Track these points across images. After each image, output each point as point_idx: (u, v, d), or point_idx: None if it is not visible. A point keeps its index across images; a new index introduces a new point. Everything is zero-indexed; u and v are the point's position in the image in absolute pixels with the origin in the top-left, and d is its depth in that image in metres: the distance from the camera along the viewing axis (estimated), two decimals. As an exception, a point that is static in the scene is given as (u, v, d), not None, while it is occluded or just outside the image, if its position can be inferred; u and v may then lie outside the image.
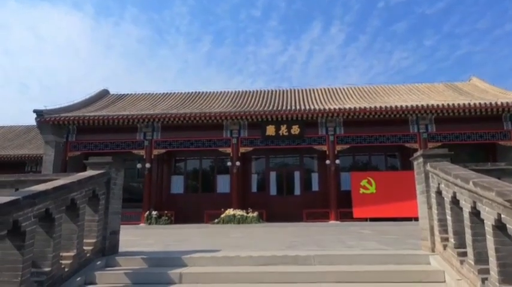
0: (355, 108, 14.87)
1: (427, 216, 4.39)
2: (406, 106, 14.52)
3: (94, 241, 4.24)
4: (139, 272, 3.95)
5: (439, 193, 4.12)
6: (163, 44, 68.30)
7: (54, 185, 3.46)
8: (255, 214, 15.05)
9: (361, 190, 15.29)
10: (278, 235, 9.00)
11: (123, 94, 22.29)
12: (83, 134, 17.05)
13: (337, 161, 15.64)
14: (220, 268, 3.97)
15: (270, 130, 15.78)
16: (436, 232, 4.19)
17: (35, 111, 16.20)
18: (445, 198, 3.91)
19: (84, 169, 5.02)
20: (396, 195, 14.86)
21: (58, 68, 64.50)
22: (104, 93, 22.27)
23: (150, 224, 15.45)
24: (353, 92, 19.11)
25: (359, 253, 4.54)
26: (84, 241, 4.10)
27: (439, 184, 4.06)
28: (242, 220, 14.85)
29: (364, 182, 15.35)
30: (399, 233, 8.38)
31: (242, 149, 16.16)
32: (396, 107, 14.53)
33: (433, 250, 4.26)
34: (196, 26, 67.92)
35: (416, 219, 14.18)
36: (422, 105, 14.43)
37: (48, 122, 16.12)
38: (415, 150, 15.68)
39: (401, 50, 64.92)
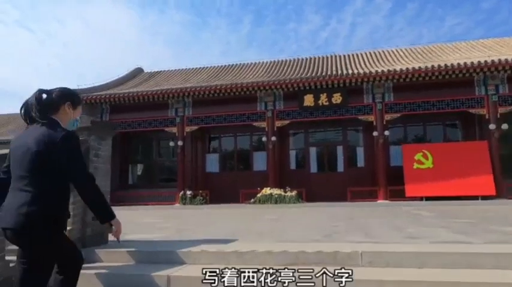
0: (407, 69, 12.75)
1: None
2: (472, 63, 12.14)
3: (69, 228, 3.26)
4: (117, 273, 2.91)
5: None
6: (206, 27, 67.72)
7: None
8: (294, 193, 13.81)
9: (415, 165, 13.35)
10: (317, 218, 7.70)
11: (157, 71, 21.71)
12: (116, 113, 16.68)
13: (386, 133, 13.75)
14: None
15: (308, 100, 14.20)
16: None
17: (67, 91, 16.00)
18: None
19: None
20: (458, 170, 12.79)
21: (109, 57, 66.60)
22: (138, 71, 21.83)
23: (184, 204, 14.86)
24: (403, 53, 16.73)
25: (432, 249, 3.10)
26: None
27: None
28: (280, 200, 13.70)
29: (418, 156, 13.38)
30: (471, 216, 6.69)
31: (278, 123, 14.81)
32: (459, 65, 12.22)
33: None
34: (236, 7, 66.18)
35: (484, 198, 12.21)
36: (492, 61, 11.96)
37: (81, 101, 15.87)
38: (482, 117, 13.35)
39: (454, 15, 58.48)
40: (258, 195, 14.16)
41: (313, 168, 15.81)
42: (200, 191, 15.16)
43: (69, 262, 1.83)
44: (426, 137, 15.17)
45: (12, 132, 23.44)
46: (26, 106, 1.84)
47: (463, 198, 12.52)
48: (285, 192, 13.94)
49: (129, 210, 13.82)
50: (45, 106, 1.82)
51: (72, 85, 16.16)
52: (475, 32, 56.90)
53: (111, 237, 2.42)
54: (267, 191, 14.10)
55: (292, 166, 16.21)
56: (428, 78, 12.87)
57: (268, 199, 13.88)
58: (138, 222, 7.50)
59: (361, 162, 15.45)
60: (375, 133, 13.68)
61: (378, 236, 3.99)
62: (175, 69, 21.35)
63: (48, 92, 1.88)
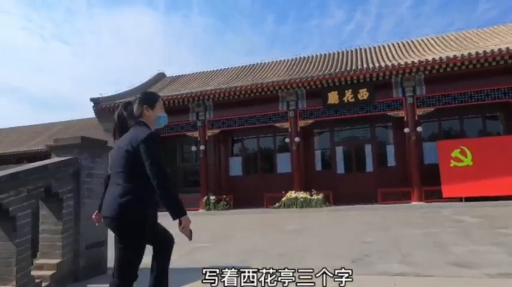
0: (440, 58, 11.72)
1: None
2: (515, 49, 10.96)
3: (57, 261, 2.89)
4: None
5: None
6: (229, 29, 67.87)
7: None
8: (320, 196, 13.13)
9: (452, 163, 12.28)
10: (345, 228, 7.06)
11: (178, 75, 21.63)
12: (138, 119, 16.65)
13: (419, 129, 12.76)
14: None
15: (333, 97, 13.46)
16: None
17: (91, 99, 16.17)
18: None
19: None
20: (500, 167, 11.62)
21: (139, 64, 68.32)
22: (160, 76, 21.85)
23: (208, 210, 14.56)
24: (434, 42, 15.55)
25: None
26: (41, 262, 2.76)
27: None
28: (306, 204, 13.07)
29: (456, 153, 12.29)
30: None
31: (301, 123, 14.16)
32: (500, 50, 11.06)
33: None
34: (258, 6, 65.82)
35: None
36: (539, 45, 10.73)
37: (105, 109, 15.97)
38: (528, 107, 12.09)
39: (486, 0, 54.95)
40: (283, 199, 13.60)
41: (340, 168, 15.02)
42: (224, 196, 14.80)
43: (162, 245, 2.17)
44: (463, 131, 13.99)
45: (43, 142, 24.25)
46: (116, 119, 2.23)
47: (506, 198, 11.38)
48: (311, 195, 13.28)
49: None
50: (130, 116, 2.15)
51: (104, 93, 16.41)
52: (510, 16, 53.07)
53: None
54: (291, 194, 13.51)
55: (318, 167, 15.50)
56: (465, 67, 11.77)
57: (294, 203, 13.29)
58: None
59: (391, 161, 14.49)
60: (406, 130, 12.72)
61: (418, 262, 3.34)
62: (196, 72, 21.16)
63: (130, 103, 2.21)
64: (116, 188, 2.00)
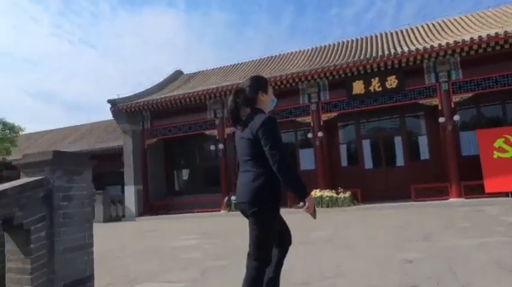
0: (480, 37, 10.47)
1: None
2: None
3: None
4: None
5: None
6: (248, 24, 67.13)
7: None
8: (347, 194, 12.25)
9: (496, 154, 11.05)
10: (378, 233, 6.23)
11: (196, 72, 21.17)
12: (157, 119, 16.32)
13: (456, 118, 11.57)
14: None
15: (358, 87, 12.47)
16: None
17: (109, 101, 15.94)
18: None
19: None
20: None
21: (161, 64, 69.04)
22: (178, 74, 21.48)
23: (229, 211, 14.00)
24: (469, 20, 14.15)
25: None
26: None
27: None
28: (332, 203, 12.24)
29: (499, 143, 11.05)
30: None
31: (324, 116, 13.27)
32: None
33: None
34: (276, -2, 64.40)
35: None
36: None
37: (122, 110, 15.71)
38: None
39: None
40: (308, 197, 12.81)
41: (368, 163, 14.03)
42: (245, 196, 14.18)
43: (285, 233, 2.24)
44: (506, 118, 12.63)
45: (72, 145, 24.56)
46: (228, 110, 2.25)
47: None
48: (337, 193, 12.43)
49: (172, 220, 13.23)
50: (246, 103, 2.17)
51: (126, 94, 16.09)
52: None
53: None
54: (316, 193, 12.69)
55: (344, 162, 14.57)
56: (509, 46, 10.48)
57: (319, 202, 12.47)
58: (166, 247, 6.65)
59: (425, 153, 13.34)
60: (442, 119, 11.57)
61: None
62: (215, 68, 20.60)
63: (242, 90, 2.21)
64: (247, 174, 2.10)
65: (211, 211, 14.44)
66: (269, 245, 2.10)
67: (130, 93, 16.85)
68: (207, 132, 15.27)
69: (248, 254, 2.12)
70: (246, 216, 2.12)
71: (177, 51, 69.25)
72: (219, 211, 14.33)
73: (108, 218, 15.44)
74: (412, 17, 58.43)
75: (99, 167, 23.30)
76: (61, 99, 68.72)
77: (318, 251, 5.03)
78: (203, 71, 20.87)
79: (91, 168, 2.91)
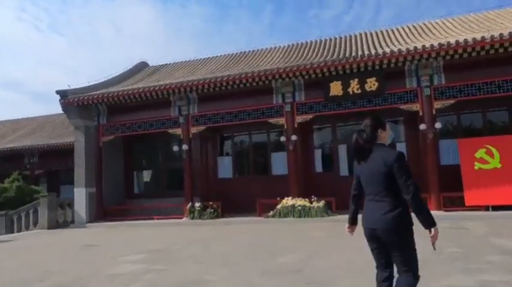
0: (465, 41, 9.78)
1: None
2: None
3: None
4: None
5: None
6: (227, 19, 65.38)
7: None
8: (321, 203, 11.28)
9: (477, 165, 10.45)
10: (359, 261, 5.19)
11: (162, 65, 19.57)
12: (115, 114, 14.65)
13: (438, 125, 10.87)
14: None
15: (335, 88, 11.52)
16: None
17: (57, 92, 14.09)
18: None
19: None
20: (535, 169, 9.84)
21: (137, 56, 65.68)
22: (142, 66, 19.77)
23: (193, 218, 12.67)
24: (451, 24, 13.60)
25: None
26: None
27: None
28: (304, 213, 11.24)
29: (481, 153, 10.46)
30: None
31: (299, 118, 12.24)
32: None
33: None
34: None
35: None
36: None
37: (73, 103, 13.92)
38: None
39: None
40: (278, 206, 11.75)
41: (344, 170, 13.16)
42: (211, 203, 12.90)
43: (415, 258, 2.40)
44: (488, 126, 12.14)
45: (23, 138, 22.16)
46: (353, 149, 2.59)
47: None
48: (311, 202, 11.45)
49: (127, 228, 11.37)
50: (369, 142, 2.50)
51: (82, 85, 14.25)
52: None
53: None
54: (288, 201, 11.66)
55: (318, 168, 13.64)
56: (494, 52, 9.88)
57: (290, 212, 11.46)
58: (100, 275, 5.29)
59: (403, 161, 12.62)
60: (423, 126, 10.84)
61: None
62: (182, 61, 19.10)
63: (362, 130, 2.57)
64: (382, 204, 2.36)
65: (173, 218, 13.05)
66: (417, 260, 2.37)
67: (85, 84, 15.05)
68: (171, 131, 13.85)
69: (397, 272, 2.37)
70: (375, 239, 2.41)
71: (155, 43, 66.32)
72: (181, 218, 12.98)
73: (55, 225, 13.65)
74: (389, 21, 59.21)
75: (53, 165, 21.26)
76: (29, 89, 64.02)
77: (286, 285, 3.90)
78: (170, 63, 19.33)
79: None
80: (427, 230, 2.28)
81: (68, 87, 14.25)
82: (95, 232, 11.96)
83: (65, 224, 14.09)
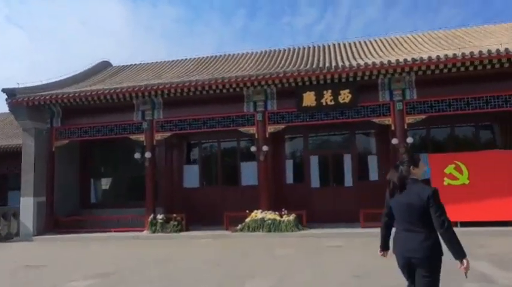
0: (438, 57, 9.77)
1: None
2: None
3: None
4: None
5: None
6: (198, 21, 63.91)
7: None
8: (292, 217, 10.83)
9: (446, 181, 10.46)
10: (328, 275, 4.72)
11: (126, 65, 18.39)
12: (71, 117, 13.40)
13: (409, 140, 10.81)
14: None
15: (309, 99, 11.16)
16: None
17: (4, 90, 12.65)
18: None
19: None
20: (501, 187, 9.99)
21: (107, 54, 62.17)
22: (104, 65, 18.48)
23: (154, 232, 11.76)
24: (422, 39, 13.77)
25: None
26: None
27: None
28: (274, 227, 10.73)
29: (450, 169, 10.49)
30: None
31: (270, 128, 11.74)
32: (507, 51, 9.27)
33: None
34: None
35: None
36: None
37: (22, 103, 12.55)
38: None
39: (451, 5, 56.13)
40: (247, 220, 11.16)
41: (315, 182, 12.83)
42: (174, 215, 12.05)
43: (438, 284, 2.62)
44: (457, 142, 12.29)
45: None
46: (397, 180, 2.68)
47: (505, 224, 9.78)
48: (281, 216, 10.96)
49: (79, 243, 9.81)
50: (403, 179, 2.67)
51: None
52: (473, 22, 54.38)
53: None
54: (257, 215, 11.10)
55: (289, 179, 13.20)
56: (465, 69, 9.97)
57: (260, 226, 10.90)
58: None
59: (374, 174, 12.51)
60: (395, 141, 10.72)
61: None
62: (148, 63, 18.07)
63: (400, 165, 2.72)
64: (415, 234, 2.56)
65: (133, 231, 12.06)
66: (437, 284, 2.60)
67: (38, 83, 13.67)
68: (133, 137, 12.85)
69: None
70: (407, 267, 2.64)
71: (125, 42, 63.41)
72: (142, 230, 12.01)
73: (-4, 238, 12.17)
74: (358, 33, 60.89)
75: (0, 168, 19.33)
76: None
77: None
78: (135, 64, 18.22)
79: None
80: (458, 261, 2.46)
81: (17, 86, 12.86)
82: (41, 247, 10.73)
83: (8, 237, 12.63)
